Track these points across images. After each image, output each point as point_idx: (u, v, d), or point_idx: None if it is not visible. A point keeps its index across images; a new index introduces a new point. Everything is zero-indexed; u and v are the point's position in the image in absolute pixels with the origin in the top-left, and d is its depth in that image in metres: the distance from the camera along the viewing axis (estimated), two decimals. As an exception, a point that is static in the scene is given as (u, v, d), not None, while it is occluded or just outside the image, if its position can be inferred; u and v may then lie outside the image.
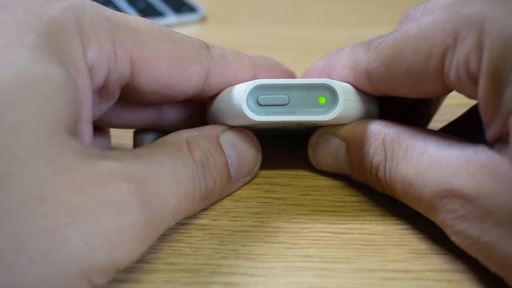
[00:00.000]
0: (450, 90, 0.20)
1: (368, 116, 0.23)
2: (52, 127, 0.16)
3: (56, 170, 0.15)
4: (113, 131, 0.26)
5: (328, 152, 0.24)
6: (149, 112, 0.24)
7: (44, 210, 0.15)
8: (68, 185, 0.15)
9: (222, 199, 0.23)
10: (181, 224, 0.22)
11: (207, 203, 0.22)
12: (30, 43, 0.17)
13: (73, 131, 0.17)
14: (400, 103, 0.26)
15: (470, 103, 0.22)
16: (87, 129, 0.19)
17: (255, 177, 0.25)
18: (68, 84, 0.17)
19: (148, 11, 0.46)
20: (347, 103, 0.21)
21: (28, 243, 0.15)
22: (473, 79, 0.18)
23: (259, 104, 0.21)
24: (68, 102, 0.17)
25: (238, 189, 0.24)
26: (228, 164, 0.22)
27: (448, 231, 0.19)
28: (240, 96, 0.21)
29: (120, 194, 0.16)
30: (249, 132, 0.23)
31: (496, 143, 0.18)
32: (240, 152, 0.23)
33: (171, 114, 0.25)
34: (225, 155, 0.22)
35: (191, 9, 0.47)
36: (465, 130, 0.24)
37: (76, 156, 0.16)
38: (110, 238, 0.16)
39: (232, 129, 0.23)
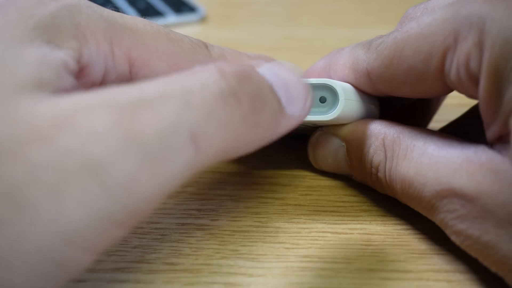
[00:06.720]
0: (450, 90, 0.20)
1: (368, 116, 0.23)
2: (5, 91, 0.14)
3: (6, 125, 0.13)
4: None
5: (328, 152, 0.24)
6: None
7: None
8: (23, 137, 0.13)
9: (223, 199, 0.23)
10: (181, 224, 0.22)
11: (259, 133, 0.17)
12: (13, 36, 0.16)
13: (52, 89, 0.15)
14: (400, 103, 0.26)
15: (470, 103, 0.22)
16: None
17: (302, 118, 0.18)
18: (43, 54, 0.16)
19: (148, 11, 0.46)
20: (347, 103, 0.21)
21: None
22: (474, 79, 0.18)
23: None
24: (40, 67, 0.15)
25: (291, 129, 0.18)
26: (273, 89, 0.17)
27: (448, 231, 0.19)
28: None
29: (95, 129, 0.13)
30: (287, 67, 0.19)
31: (497, 143, 0.18)
32: (286, 79, 0.18)
33: None
34: (267, 80, 0.17)
35: (191, 9, 0.47)
36: (465, 130, 0.24)
37: (36, 104, 0.14)
38: (84, 189, 0.13)
39: (268, 62, 0.19)
